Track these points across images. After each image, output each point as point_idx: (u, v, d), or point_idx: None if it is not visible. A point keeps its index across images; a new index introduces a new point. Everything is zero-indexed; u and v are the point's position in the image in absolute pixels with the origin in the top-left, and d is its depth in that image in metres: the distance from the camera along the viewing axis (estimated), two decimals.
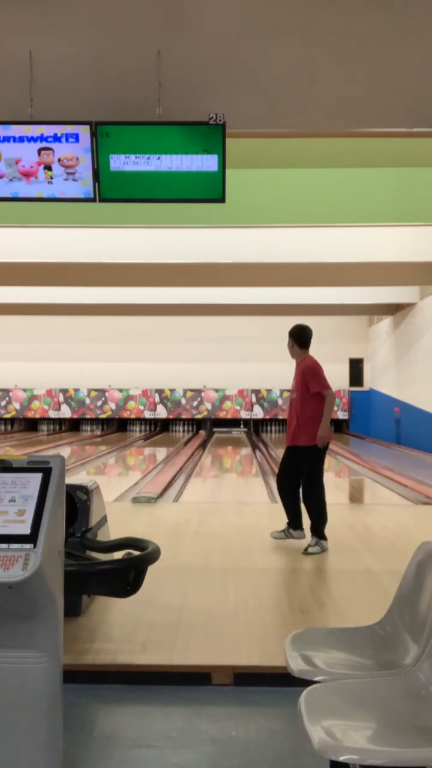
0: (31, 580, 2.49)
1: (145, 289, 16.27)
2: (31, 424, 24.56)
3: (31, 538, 2.56)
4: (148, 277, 13.26)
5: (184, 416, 23.92)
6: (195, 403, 23.90)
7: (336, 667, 2.80)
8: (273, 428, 24.19)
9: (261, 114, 4.95)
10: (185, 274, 12.73)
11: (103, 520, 5.23)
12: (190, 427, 24.19)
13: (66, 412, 24.22)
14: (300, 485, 6.74)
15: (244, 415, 23.57)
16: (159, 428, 24.09)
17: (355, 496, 12.31)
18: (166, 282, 14.06)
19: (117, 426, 24.24)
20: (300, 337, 6.87)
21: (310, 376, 6.70)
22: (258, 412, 23.95)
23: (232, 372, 23.59)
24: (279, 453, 17.59)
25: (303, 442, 6.60)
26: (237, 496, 10.69)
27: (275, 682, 3.75)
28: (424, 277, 13.81)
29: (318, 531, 6.53)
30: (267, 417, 24.02)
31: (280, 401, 23.86)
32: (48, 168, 4.82)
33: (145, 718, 3.63)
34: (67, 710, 2.85)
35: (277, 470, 7.68)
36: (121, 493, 10.36)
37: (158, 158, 4.79)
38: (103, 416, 24.09)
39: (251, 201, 7.70)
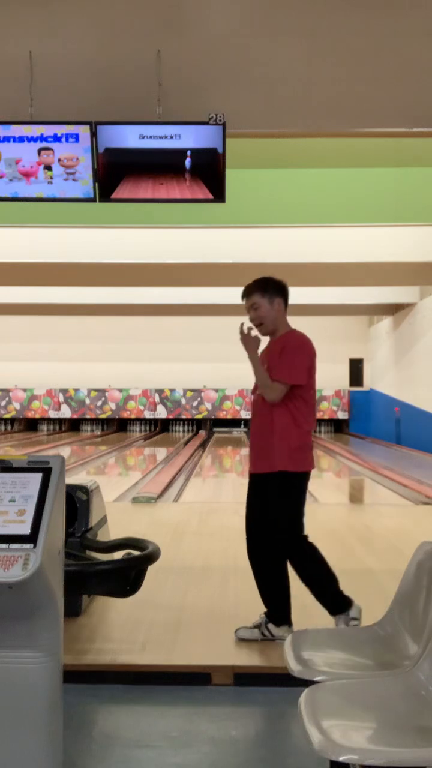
0: (31, 580, 2.49)
1: (145, 289, 16.27)
2: (31, 424, 24.55)
3: (31, 538, 2.56)
4: (148, 277, 13.26)
5: (184, 416, 23.91)
6: (195, 403, 23.89)
7: (336, 667, 2.80)
8: None
9: (261, 114, 4.94)
10: (185, 274, 12.72)
11: (103, 520, 5.24)
12: (190, 427, 24.18)
13: (66, 412, 24.21)
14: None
15: (244, 415, 23.56)
16: (159, 428, 24.08)
17: (355, 496, 12.31)
18: (166, 282, 14.06)
19: (117, 426, 24.24)
20: (287, 297, 4.47)
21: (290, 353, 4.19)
22: None
23: (232, 372, 23.56)
24: None
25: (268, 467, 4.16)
26: (237, 496, 10.68)
27: (275, 682, 3.75)
28: (424, 277, 13.81)
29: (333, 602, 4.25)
30: None
31: None
32: (48, 168, 4.82)
33: (145, 718, 3.63)
34: (67, 710, 2.85)
35: None
36: (121, 493, 10.36)
37: None
38: (103, 416, 24.08)
39: (251, 201, 7.70)
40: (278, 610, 4.31)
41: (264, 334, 4.31)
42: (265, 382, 4.12)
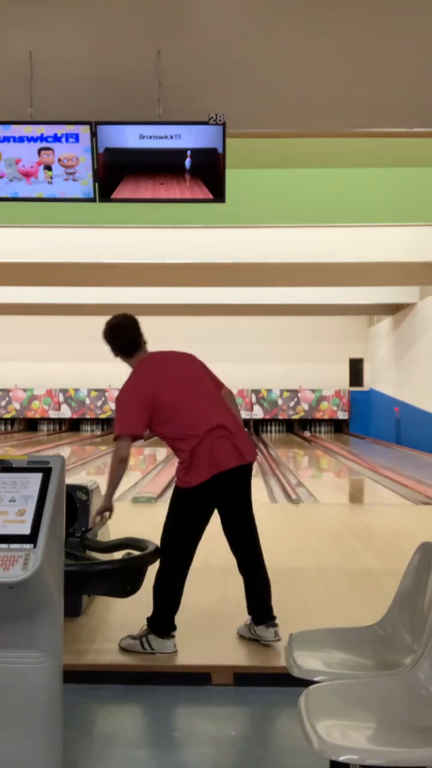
0: (31, 580, 2.49)
1: (145, 289, 16.26)
2: (31, 424, 24.54)
3: (31, 538, 2.56)
4: (148, 277, 13.26)
5: None
6: None
7: (336, 667, 2.80)
8: (273, 428, 24.18)
9: (261, 114, 4.94)
10: (185, 274, 12.72)
11: (104, 520, 5.23)
12: None
13: (66, 412, 24.20)
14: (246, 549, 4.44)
15: (244, 415, 23.52)
16: None
17: (355, 496, 12.32)
18: (166, 282, 14.05)
19: None
20: (121, 341, 4.58)
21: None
22: (258, 412, 23.94)
23: (231, 372, 23.48)
24: (279, 453, 17.58)
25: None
26: None
27: (275, 682, 3.75)
28: (424, 277, 13.81)
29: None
30: (267, 417, 24.01)
31: (280, 401, 23.87)
32: (48, 168, 4.82)
33: (145, 718, 3.63)
34: (67, 710, 2.85)
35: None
36: (121, 493, 10.35)
37: None
38: (103, 416, 24.06)
39: (251, 201, 7.69)
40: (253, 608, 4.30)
41: None
42: (111, 472, 4.28)
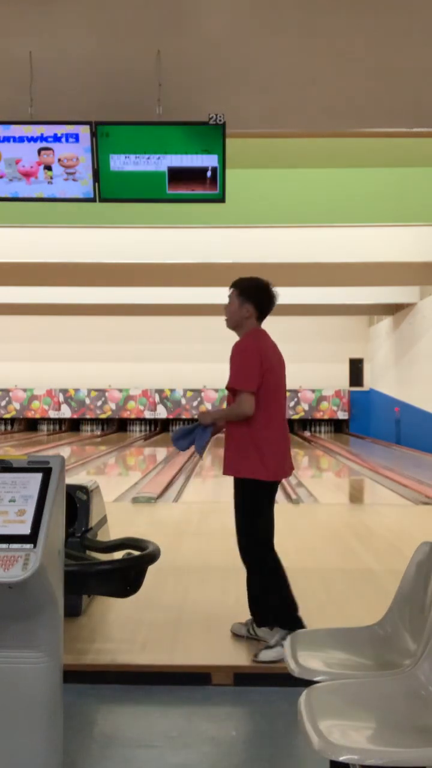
0: (31, 580, 2.49)
1: (145, 289, 16.27)
2: (31, 424, 24.55)
3: (31, 538, 2.56)
4: (148, 277, 13.27)
5: (184, 416, 23.89)
6: (195, 403, 23.88)
7: (336, 667, 2.80)
8: None
9: (261, 114, 4.94)
10: (185, 274, 12.73)
11: (103, 520, 5.24)
12: None
13: (66, 412, 24.21)
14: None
15: None
16: (159, 428, 24.07)
17: (355, 496, 12.32)
18: (166, 282, 14.06)
19: (117, 426, 24.24)
20: (263, 305, 4.29)
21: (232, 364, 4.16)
22: None
23: None
24: None
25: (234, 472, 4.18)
26: None
27: (275, 682, 3.75)
28: (424, 277, 13.81)
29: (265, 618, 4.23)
30: None
31: None
32: (48, 168, 4.82)
33: (145, 718, 3.63)
34: (67, 710, 2.85)
35: None
36: (121, 493, 10.36)
37: (158, 158, 4.79)
38: (103, 416, 24.08)
39: (251, 201, 7.70)
40: (261, 611, 4.26)
41: (228, 328, 4.35)
42: (231, 413, 4.12)
